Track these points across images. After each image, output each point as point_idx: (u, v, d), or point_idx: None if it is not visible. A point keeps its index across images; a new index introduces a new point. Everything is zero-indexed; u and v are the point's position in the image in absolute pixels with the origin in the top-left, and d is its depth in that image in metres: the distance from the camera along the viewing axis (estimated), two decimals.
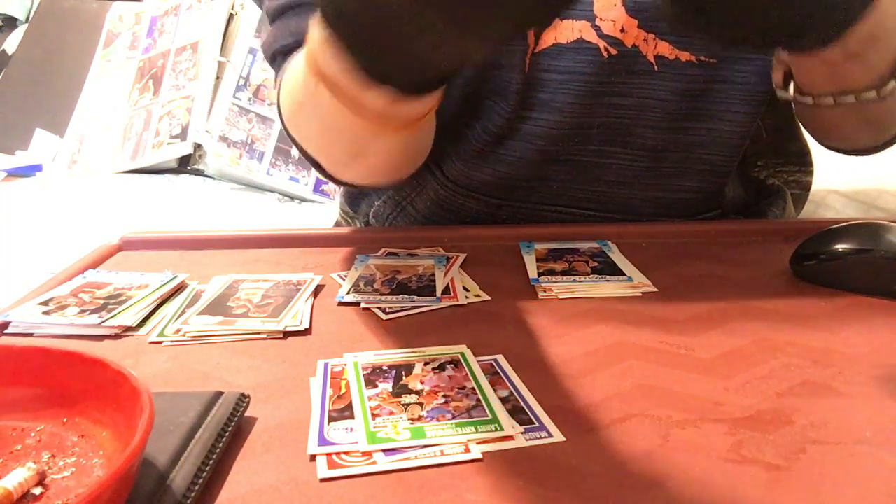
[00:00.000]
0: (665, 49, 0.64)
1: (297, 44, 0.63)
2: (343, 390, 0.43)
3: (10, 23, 2.73)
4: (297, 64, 0.57)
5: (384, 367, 0.45)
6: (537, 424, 0.39)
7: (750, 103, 0.66)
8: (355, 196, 0.84)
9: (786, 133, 0.80)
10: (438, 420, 0.39)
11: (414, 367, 0.45)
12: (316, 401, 0.42)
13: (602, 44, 0.63)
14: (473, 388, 0.42)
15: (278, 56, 0.67)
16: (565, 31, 0.64)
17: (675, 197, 0.71)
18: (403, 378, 0.44)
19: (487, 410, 0.40)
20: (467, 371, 0.44)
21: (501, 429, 0.38)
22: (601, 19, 0.63)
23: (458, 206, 0.74)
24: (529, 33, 0.64)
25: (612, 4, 0.63)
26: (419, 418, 0.39)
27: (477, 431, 0.38)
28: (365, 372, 0.44)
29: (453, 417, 0.39)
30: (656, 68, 0.64)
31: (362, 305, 0.55)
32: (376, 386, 0.43)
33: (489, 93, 0.67)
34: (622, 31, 0.63)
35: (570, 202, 0.72)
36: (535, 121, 0.67)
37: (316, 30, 0.47)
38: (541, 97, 0.66)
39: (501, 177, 0.70)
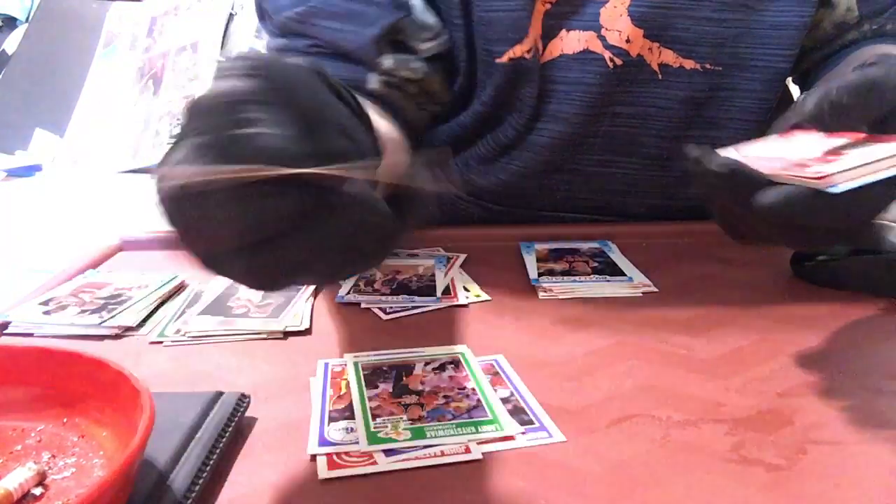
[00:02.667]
0: (669, 57, 0.64)
1: None
2: (343, 390, 0.43)
3: (10, 23, 2.73)
4: None
5: (384, 368, 0.45)
6: (537, 424, 0.39)
7: (753, 111, 0.66)
8: None
9: None
10: (439, 420, 0.39)
11: (414, 368, 0.45)
12: (316, 401, 0.42)
13: (608, 54, 0.63)
14: (474, 389, 0.42)
15: None
16: (571, 42, 0.63)
17: (680, 205, 0.71)
18: (403, 378, 0.44)
19: (488, 411, 0.40)
20: (467, 371, 0.44)
21: (502, 429, 0.38)
22: (607, 29, 0.63)
23: (462, 212, 0.74)
24: (538, 44, 0.64)
25: (617, 15, 0.62)
26: (419, 419, 0.39)
27: (477, 431, 0.38)
28: (365, 372, 0.44)
29: (454, 418, 0.39)
30: (660, 76, 0.64)
31: (362, 305, 0.55)
32: (377, 386, 0.43)
33: (506, 107, 0.67)
34: (628, 41, 0.63)
35: (573, 210, 0.72)
36: (541, 131, 0.67)
37: None
38: (547, 108, 0.66)
39: (505, 185, 0.70)
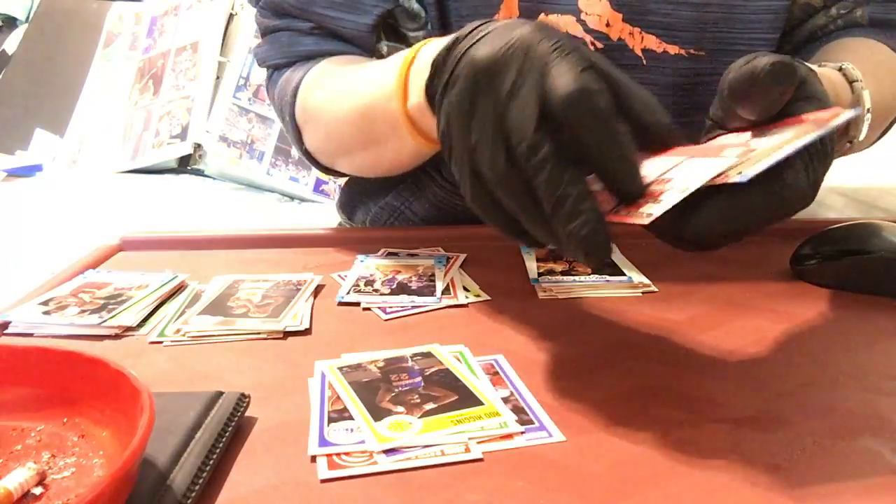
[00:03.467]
0: (652, 42, 0.64)
1: (287, 63, 0.72)
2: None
3: (10, 23, 2.73)
4: (348, 94, 0.63)
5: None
6: (537, 424, 0.39)
7: None
8: (350, 205, 0.84)
9: None
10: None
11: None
12: (315, 402, 0.42)
13: (588, 38, 0.63)
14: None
15: (272, 69, 0.74)
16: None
17: None
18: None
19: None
20: (467, 370, 0.44)
21: (507, 425, 0.38)
22: (586, 14, 0.63)
23: (457, 208, 0.74)
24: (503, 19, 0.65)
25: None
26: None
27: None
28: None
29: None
30: (644, 62, 0.64)
31: (362, 305, 0.55)
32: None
33: None
34: (607, 24, 0.63)
35: None
36: None
37: (416, 93, 0.51)
38: None
39: None
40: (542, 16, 0.64)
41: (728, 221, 0.37)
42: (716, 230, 0.38)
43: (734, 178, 0.35)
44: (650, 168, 0.40)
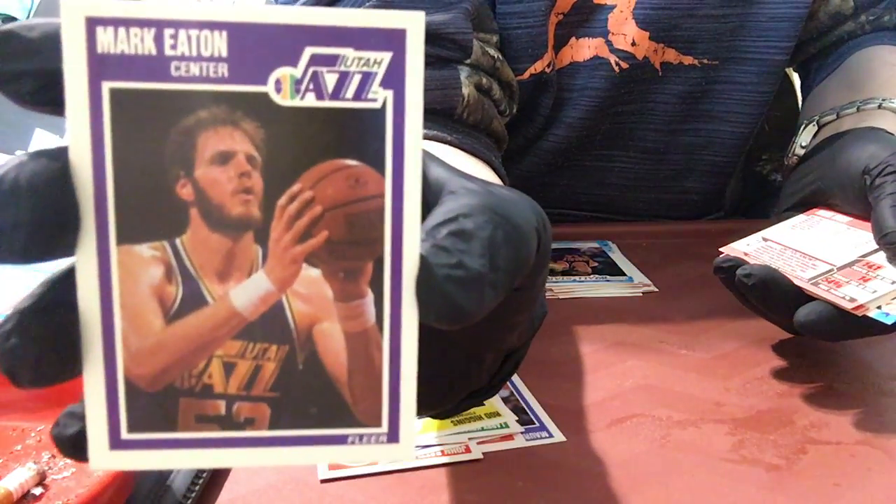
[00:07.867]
0: (671, 55, 0.64)
1: None
2: None
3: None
4: None
5: None
6: (537, 424, 0.39)
7: (751, 104, 0.66)
8: None
9: (790, 127, 0.79)
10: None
11: None
12: None
13: (613, 58, 0.63)
14: None
15: None
16: (582, 49, 0.63)
17: (678, 198, 0.71)
18: None
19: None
20: None
21: (507, 425, 0.38)
22: (614, 34, 0.63)
23: None
24: (552, 56, 0.63)
25: (623, 19, 0.62)
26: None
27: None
28: None
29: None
30: (661, 74, 0.64)
31: None
32: None
33: (523, 120, 0.66)
34: (633, 44, 0.63)
35: (572, 206, 0.72)
36: (547, 136, 0.67)
37: None
38: (557, 115, 0.66)
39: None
40: (572, 39, 0.63)
41: (824, 332, 0.42)
42: (815, 332, 0.42)
43: (874, 312, 0.39)
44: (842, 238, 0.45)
